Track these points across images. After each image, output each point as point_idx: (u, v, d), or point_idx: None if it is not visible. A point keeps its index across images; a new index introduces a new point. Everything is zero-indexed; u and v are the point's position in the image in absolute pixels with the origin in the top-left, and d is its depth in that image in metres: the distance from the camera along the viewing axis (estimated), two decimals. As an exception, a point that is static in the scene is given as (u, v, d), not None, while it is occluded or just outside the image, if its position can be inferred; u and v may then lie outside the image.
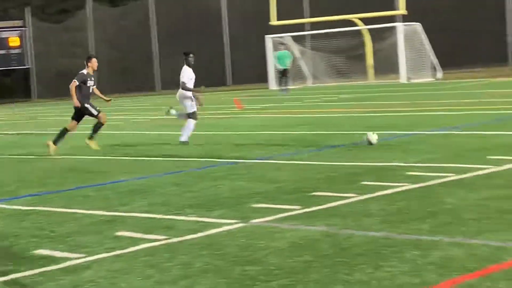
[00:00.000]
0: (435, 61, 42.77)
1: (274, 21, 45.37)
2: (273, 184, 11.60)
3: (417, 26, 42.84)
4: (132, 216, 9.85)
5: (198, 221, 9.03)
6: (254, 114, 25.71)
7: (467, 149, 13.81)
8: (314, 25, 48.10)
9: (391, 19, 44.93)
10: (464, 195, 9.75)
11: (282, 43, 41.03)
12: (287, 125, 21.30)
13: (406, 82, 40.61)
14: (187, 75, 17.79)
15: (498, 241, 7.48)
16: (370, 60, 44.74)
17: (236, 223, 9.06)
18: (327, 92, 36.89)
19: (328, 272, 6.88)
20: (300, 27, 49.25)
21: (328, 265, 7.10)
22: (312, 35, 47.60)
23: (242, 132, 20.07)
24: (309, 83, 45.69)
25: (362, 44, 44.95)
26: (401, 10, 42.90)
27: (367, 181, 11.20)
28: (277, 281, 6.73)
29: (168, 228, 9.05)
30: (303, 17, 50.21)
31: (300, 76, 46.04)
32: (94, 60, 17.59)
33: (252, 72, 50.64)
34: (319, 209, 9.53)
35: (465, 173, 11.30)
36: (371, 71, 44.62)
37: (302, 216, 9.26)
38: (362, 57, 44.70)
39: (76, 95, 17.26)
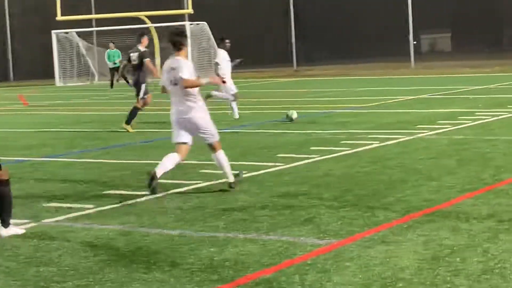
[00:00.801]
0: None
1: (60, 16, 44.41)
2: (64, 183, 11.35)
3: (204, 25, 43.30)
4: None
5: (-14, 222, 8.64)
6: (40, 111, 25.04)
7: (257, 147, 14.11)
8: (102, 22, 47.51)
9: (180, 17, 45.17)
10: (257, 192, 9.95)
11: (113, 42, 40.34)
12: (75, 122, 20.90)
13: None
14: (222, 57, 19.24)
15: (290, 237, 7.69)
16: (157, 58, 44.73)
17: (27, 223, 8.78)
18: (114, 89, 36.54)
19: (125, 271, 6.81)
20: (88, 23, 48.50)
21: (125, 264, 7.03)
22: (99, 31, 46.98)
23: (29, 129, 19.50)
24: (96, 80, 45.05)
25: (149, 42, 44.86)
26: (188, 9, 43.20)
27: (160, 179, 11.15)
28: (72, 281, 6.59)
29: (-46, 229, 8.63)
30: (90, 13, 49.45)
31: (87, 72, 45.33)
32: (146, 37, 18.33)
33: (36, 67, 49.35)
34: (113, 208, 9.43)
35: (256, 170, 11.55)
36: (159, 69, 44.66)
37: (96, 215, 9.12)
38: (150, 55, 44.60)
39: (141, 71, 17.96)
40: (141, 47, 18.08)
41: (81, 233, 8.26)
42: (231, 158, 12.86)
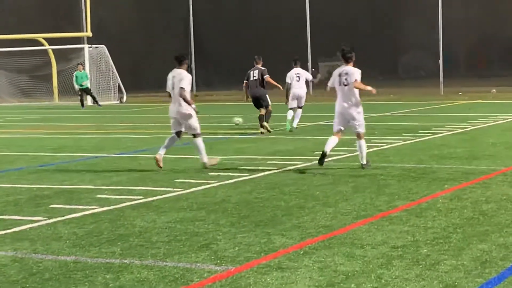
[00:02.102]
0: (119, 84, 43.13)
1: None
2: (-45, 207, 11.02)
3: (103, 48, 43.01)
4: None
5: None
6: None
7: (155, 172, 14.02)
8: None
9: (78, 40, 44.76)
10: (154, 218, 9.88)
11: (81, 63, 39.65)
12: (-32, 145, 20.39)
13: (92, 104, 40.53)
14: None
15: (187, 263, 7.66)
16: (55, 80, 44.19)
17: None
18: (10, 112, 35.88)
19: (17, 298, 6.66)
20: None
21: (17, 291, 6.88)
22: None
23: None
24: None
25: (47, 64, 44.28)
26: (87, 32, 42.85)
27: (56, 204, 11.01)
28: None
29: None
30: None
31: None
32: (261, 58, 21.99)
33: None
34: (5, 233, 9.22)
35: (153, 196, 11.47)
36: (56, 92, 44.08)
37: (-12, 240, 8.89)
38: (47, 77, 44.03)
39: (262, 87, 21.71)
40: (259, 66, 21.76)
41: (-28, 259, 8.03)
42: (128, 183, 12.84)
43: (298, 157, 15.54)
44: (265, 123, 21.07)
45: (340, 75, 13.88)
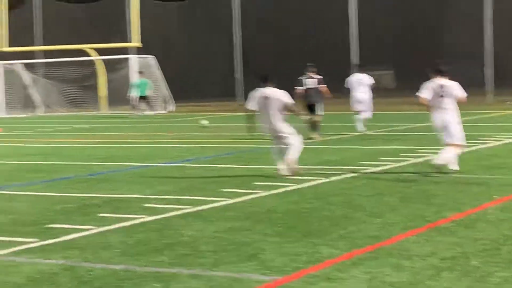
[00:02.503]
0: (167, 93, 43.39)
1: (5, 47, 44.04)
2: (6, 216, 11.21)
3: (151, 58, 43.30)
4: None
5: None
6: (-18, 142, 24.70)
7: (201, 182, 14.10)
8: (47, 53, 47.25)
9: (126, 50, 45.15)
10: (201, 227, 9.95)
11: (141, 71, 40.12)
12: (18, 154, 20.70)
13: (139, 113, 40.79)
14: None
15: (234, 273, 7.70)
16: (103, 90, 44.59)
17: (-32, 257, 8.65)
18: (60, 121, 36.29)
19: (67, 306, 6.75)
20: (32, 54, 48.20)
21: (68, 299, 6.97)
22: (44, 63, 46.63)
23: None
24: (41, 111, 44.67)
25: (95, 74, 44.71)
26: (135, 42, 43.20)
27: (105, 213, 11.13)
28: (14, 317, 6.50)
29: None
30: (35, 45, 49.14)
31: (31, 104, 44.91)
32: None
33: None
34: (56, 242, 9.35)
35: (201, 205, 11.54)
36: (104, 101, 44.47)
37: (39, 249, 9.03)
38: (95, 87, 44.43)
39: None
40: (313, 75, 22.68)
41: (23, 267, 8.17)
42: (176, 192, 12.93)
43: (345, 167, 15.51)
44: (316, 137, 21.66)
45: (440, 87, 14.36)
